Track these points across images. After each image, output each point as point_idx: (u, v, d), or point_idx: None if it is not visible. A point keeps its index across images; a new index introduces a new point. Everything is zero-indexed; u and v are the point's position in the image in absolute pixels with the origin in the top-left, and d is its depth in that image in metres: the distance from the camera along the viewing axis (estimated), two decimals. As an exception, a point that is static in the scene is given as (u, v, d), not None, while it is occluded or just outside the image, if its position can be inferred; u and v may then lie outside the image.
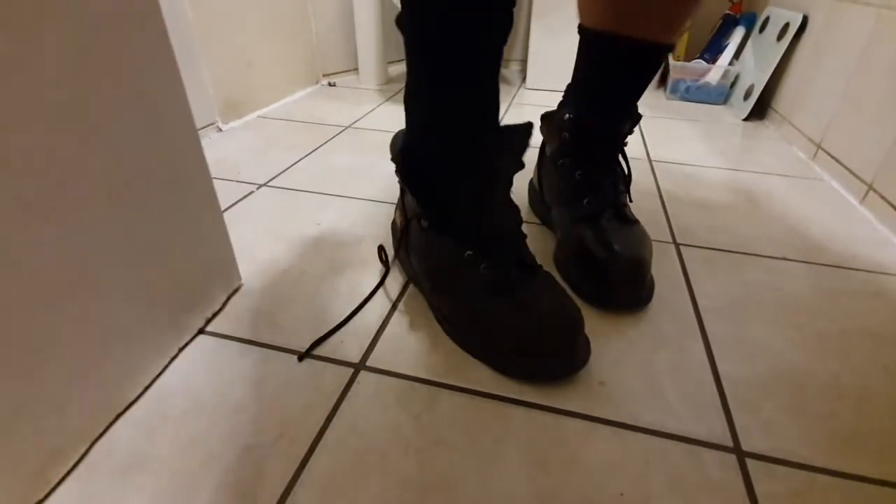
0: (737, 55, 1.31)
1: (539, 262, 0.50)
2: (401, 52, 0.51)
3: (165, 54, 0.41)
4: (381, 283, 0.56)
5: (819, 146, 0.96)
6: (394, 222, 0.57)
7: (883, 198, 0.76)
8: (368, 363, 0.47)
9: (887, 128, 0.78)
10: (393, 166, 0.51)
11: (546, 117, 0.64)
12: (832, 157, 0.92)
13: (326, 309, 0.54)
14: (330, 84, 1.39)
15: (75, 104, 0.34)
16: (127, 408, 0.42)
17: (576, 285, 0.56)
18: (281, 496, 0.36)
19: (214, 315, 0.52)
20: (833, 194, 0.85)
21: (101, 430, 0.40)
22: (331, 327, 0.50)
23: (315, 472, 0.37)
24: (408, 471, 0.38)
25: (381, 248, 0.60)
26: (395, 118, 1.15)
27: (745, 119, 1.20)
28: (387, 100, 1.28)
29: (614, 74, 0.55)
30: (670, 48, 0.54)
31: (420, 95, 0.47)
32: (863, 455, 0.40)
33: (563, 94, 0.63)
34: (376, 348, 0.49)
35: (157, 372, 0.45)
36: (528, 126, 0.45)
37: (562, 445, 0.40)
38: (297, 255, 0.63)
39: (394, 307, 0.54)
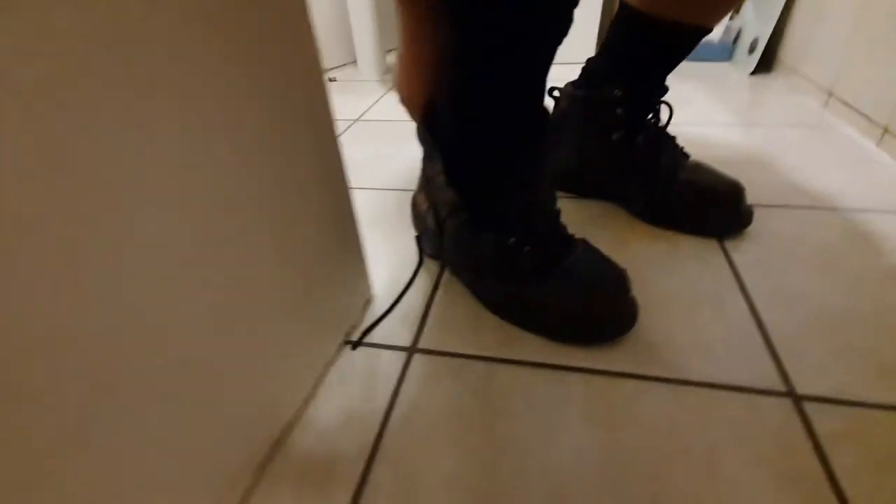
0: (737, 9, 1.30)
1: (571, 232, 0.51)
2: (396, 40, 0.51)
3: (313, 49, 0.38)
4: (418, 268, 0.57)
5: (830, 93, 0.96)
6: (414, 203, 0.58)
7: (901, 138, 0.76)
8: (420, 345, 0.48)
9: (901, 67, 0.77)
10: (411, 155, 0.52)
11: (574, 97, 0.65)
12: (844, 103, 0.91)
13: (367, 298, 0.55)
14: (331, 80, 1.39)
15: (252, 118, 0.32)
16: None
17: (693, 228, 0.62)
18: (361, 473, 0.37)
19: (353, 329, 0.51)
20: (849, 140, 0.85)
21: (264, 455, 0.39)
22: (377, 317, 0.52)
23: (389, 449, 0.39)
24: (477, 440, 0.39)
25: (418, 238, 0.60)
26: (399, 109, 1.15)
27: (753, 73, 1.19)
28: (389, 90, 1.28)
29: (664, 55, 0.60)
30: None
31: (473, 97, 0.44)
32: (914, 387, 0.41)
33: (584, 66, 0.65)
34: (425, 331, 0.50)
35: (308, 391, 0.44)
36: None
37: (621, 405, 0.41)
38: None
39: (434, 289, 0.56)
